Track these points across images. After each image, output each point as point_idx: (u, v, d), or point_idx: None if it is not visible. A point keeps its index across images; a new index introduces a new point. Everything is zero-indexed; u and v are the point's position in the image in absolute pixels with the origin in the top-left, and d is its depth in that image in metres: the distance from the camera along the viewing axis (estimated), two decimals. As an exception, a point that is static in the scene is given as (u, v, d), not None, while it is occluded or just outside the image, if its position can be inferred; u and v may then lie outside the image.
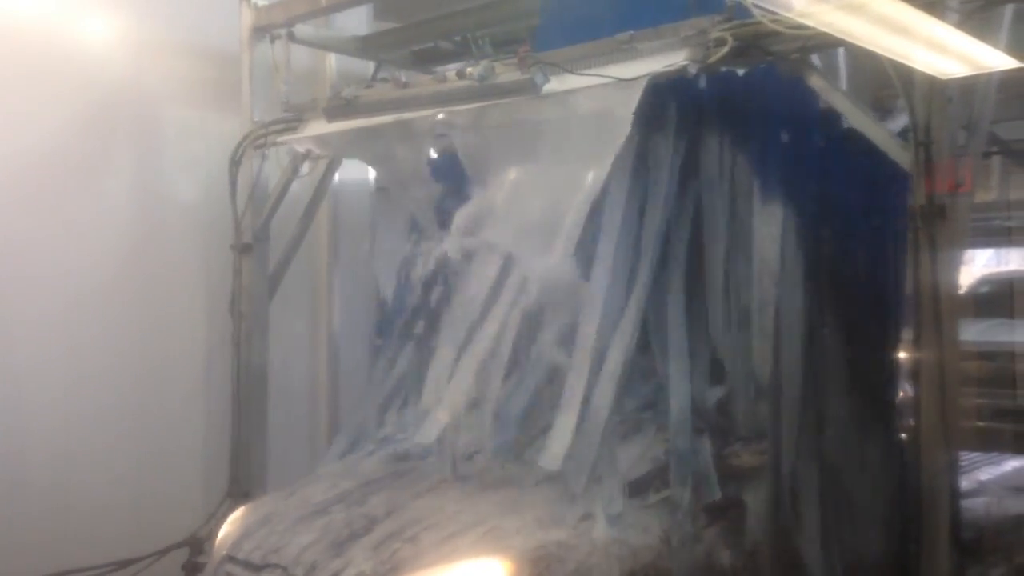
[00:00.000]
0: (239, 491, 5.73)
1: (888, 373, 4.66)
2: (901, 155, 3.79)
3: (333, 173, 6.23)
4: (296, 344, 6.74)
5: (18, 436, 5.31)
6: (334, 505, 4.10)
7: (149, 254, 5.94)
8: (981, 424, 6.44)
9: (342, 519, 3.93)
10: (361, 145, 5.36)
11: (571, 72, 4.29)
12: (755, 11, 3.68)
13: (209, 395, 6.14)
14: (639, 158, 4.39)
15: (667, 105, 4.39)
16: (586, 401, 4.01)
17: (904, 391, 4.60)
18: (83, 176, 5.69)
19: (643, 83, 4.03)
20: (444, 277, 4.93)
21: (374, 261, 6.23)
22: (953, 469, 3.68)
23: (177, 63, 6.08)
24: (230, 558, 4.12)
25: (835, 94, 4.05)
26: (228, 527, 4.39)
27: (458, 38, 6.29)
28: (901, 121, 4.07)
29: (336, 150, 5.66)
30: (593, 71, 4.25)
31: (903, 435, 4.59)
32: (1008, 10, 4.06)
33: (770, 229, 4.31)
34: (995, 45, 3.80)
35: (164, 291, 6.01)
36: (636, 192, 4.38)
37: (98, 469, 5.58)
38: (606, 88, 4.15)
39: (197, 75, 6.18)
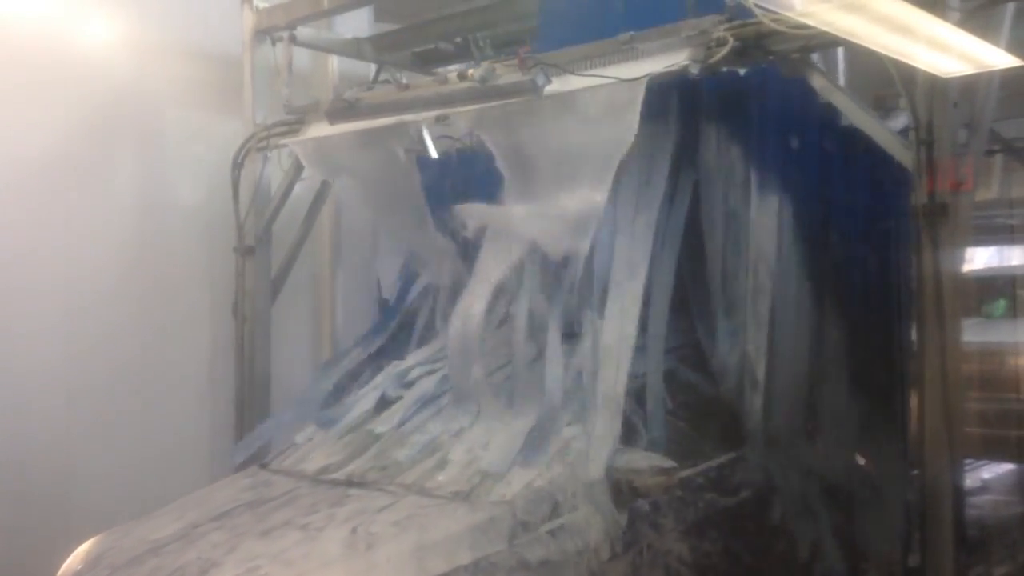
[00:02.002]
0: (243, 494, 5.72)
1: (892, 369, 4.66)
2: (903, 154, 3.79)
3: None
4: (299, 346, 6.74)
5: (20, 441, 5.31)
6: (171, 544, 3.59)
7: (152, 257, 5.94)
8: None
9: (172, 563, 3.41)
10: (351, 168, 5.34)
11: (572, 73, 4.30)
12: (756, 11, 3.68)
13: (213, 398, 6.15)
14: (644, 155, 4.41)
15: (669, 102, 4.41)
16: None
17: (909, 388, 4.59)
18: (86, 180, 5.70)
19: (644, 83, 4.03)
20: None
21: (377, 263, 6.24)
22: (957, 468, 3.69)
23: (179, 66, 6.08)
24: None
25: (836, 93, 4.05)
26: (66, 566, 3.89)
27: (459, 39, 6.30)
28: (901, 120, 4.08)
29: (327, 172, 5.58)
30: (594, 72, 4.25)
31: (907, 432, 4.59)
32: (1009, 8, 4.07)
33: (767, 221, 4.36)
34: (996, 43, 3.81)
35: (167, 294, 6.01)
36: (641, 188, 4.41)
37: (100, 474, 5.57)
38: (609, 88, 4.15)
39: (199, 78, 6.19)
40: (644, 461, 3.71)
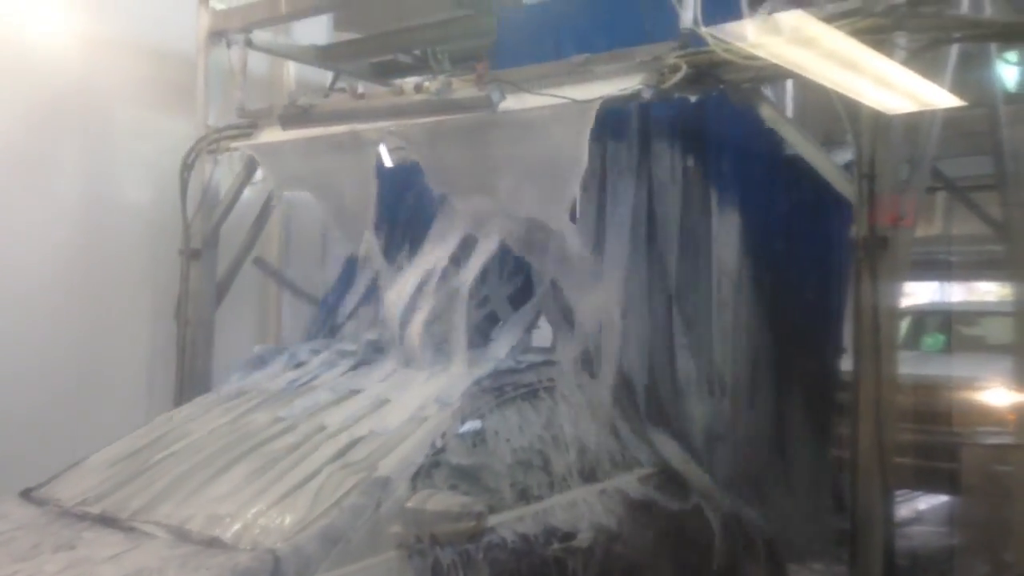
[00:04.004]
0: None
1: (828, 384, 4.68)
2: (846, 186, 3.87)
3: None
4: (242, 352, 6.63)
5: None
6: None
7: (94, 256, 5.84)
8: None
9: None
10: (305, 177, 5.32)
11: (527, 91, 4.33)
12: (709, 40, 3.74)
13: (151, 401, 6.03)
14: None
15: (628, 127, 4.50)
16: None
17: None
18: (29, 174, 5.58)
19: (597, 105, 4.08)
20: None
21: (327, 271, 6.17)
22: (888, 497, 3.74)
23: (131, 63, 6.00)
24: None
25: (784, 124, 4.13)
26: None
27: (417, 52, 6.30)
28: (849, 154, 4.16)
29: (281, 181, 5.54)
30: (549, 91, 4.29)
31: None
32: (953, 50, 4.17)
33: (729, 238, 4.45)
34: (940, 83, 3.91)
35: (108, 294, 5.90)
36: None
37: (29, 468, 5.43)
38: (563, 108, 4.19)
39: (151, 76, 6.11)
40: (451, 502, 3.22)
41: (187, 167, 5.86)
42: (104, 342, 5.87)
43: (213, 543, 3.07)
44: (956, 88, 4.08)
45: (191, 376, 5.85)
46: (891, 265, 3.75)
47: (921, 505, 7.26)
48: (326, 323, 5.36)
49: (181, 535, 3.16)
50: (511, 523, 3.54)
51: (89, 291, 5.79)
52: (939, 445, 6.33)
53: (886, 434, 3.69)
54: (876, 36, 3.58)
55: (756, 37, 3.48)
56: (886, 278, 3.74)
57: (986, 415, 6.50)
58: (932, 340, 8.45)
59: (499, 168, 4.41)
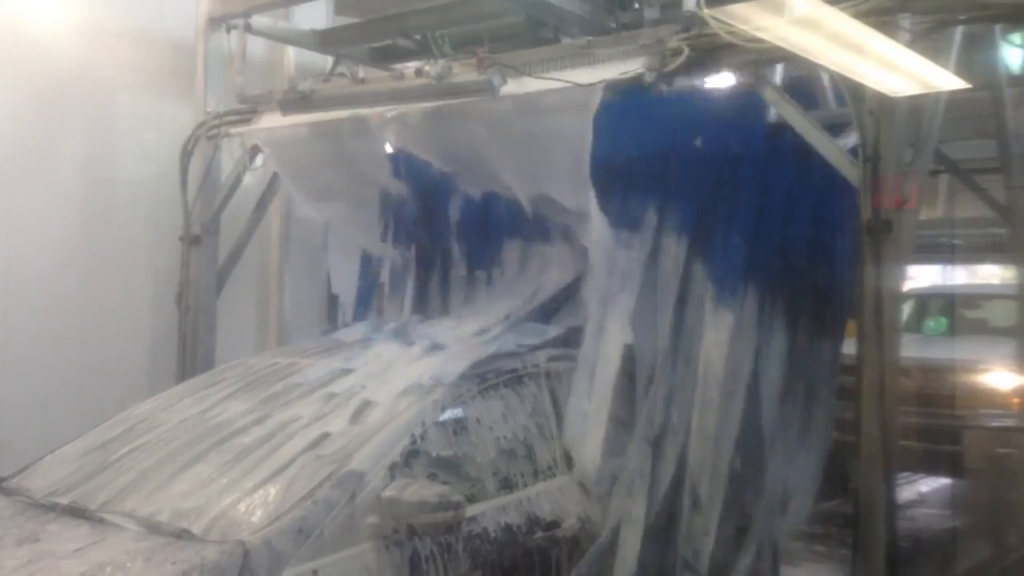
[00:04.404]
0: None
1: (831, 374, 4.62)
2: (850, 170, 3.84)
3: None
4: (244, 338, 6.65)
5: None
6: None
7: (95, 243, 5.84)
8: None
9: None
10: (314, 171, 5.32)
11: (529, 75, 4.30)
12: (712, 23, 3.71)
13: (152, 389, 6.01)
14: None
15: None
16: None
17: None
18: (30, 161, 5.57)
19: (600, 88, 4.05)
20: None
21: (329, 258, 6.17)
22: (890, 481, 3.74)
23: (131, 50, 5.98)
24: None
25: (788, 107, 4.10)
26: None
27: (418, 37, 6.26)
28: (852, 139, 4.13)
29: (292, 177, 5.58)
30: (551, 75, 4.26)
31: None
32: (958, 32, 4.14)
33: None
34: (944, 65, 3.87)
35: (109, 280, 5.91)
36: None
37: (25, 451, 5.41)
38: (565, 92, 4.16)
39: (151, 63, 6.09)
40: (428, 492, 3.14)
41: (187, 153, 5.85)
42: (106, 328, 5.87)
43: (182, 535, 2.99)
44: (960, 70, 4.04)
45: (193, 362, 5.85)
46: (895, 248, 3.72)
47: (923, 488, 7.26)
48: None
49: (150, 527, 3.06)
50: (493, 512, 3.49)
51: (91, 278, 5.79)
52: (941, 428, 6.33)
53: (889, 418, 3.68)
54: (880, 18, 3.55)
55: (759, 19, 3.46)
56: (890, 261, 3.72)
57: (989, 397, 6.49)
58: (935, 323, 8.44)
59: (506, 145, 4.40)
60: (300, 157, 5.43)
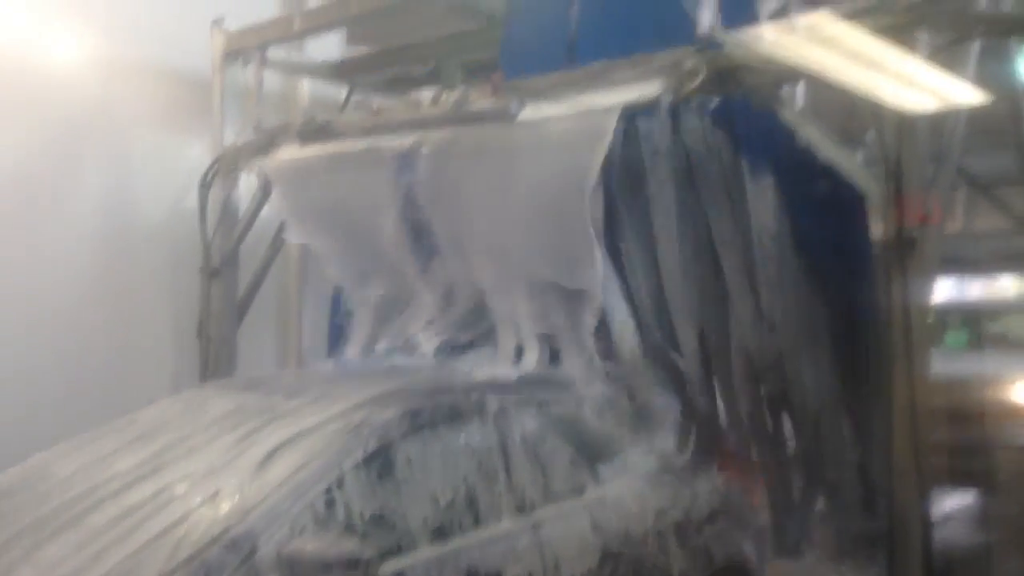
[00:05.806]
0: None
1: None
2: (872, 187, 3.83)
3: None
4: (264, 368, 6.65)
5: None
6: None
7: (116, 277, 5.86)
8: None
9: None
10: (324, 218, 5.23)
11: (546, 100, 4.31)
12: (728, 43, 3.72)
13: (175, 421, 6.04)
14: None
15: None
16: None
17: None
18: (50, 197, 5.62)
19: (617, 112, 4.05)
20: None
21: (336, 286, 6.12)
22: (926, 498, 3.70)
23: (148, 85, 6.03)
24: None
25: (806, 126, 4.08)
26: None
27: (430, 64, 6.31)
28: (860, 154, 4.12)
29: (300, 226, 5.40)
30: (568, 100, 4.27)
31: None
32: (976, 46, 4.13)
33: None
34: (963, 80, 3.87)
35: (131, 314, 5.93)
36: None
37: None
38: (583, 116, 4.16)
39: (168, 97, 6.14)
40: (333, 549, 2.76)
41: (205, 186, 5.87)
42: (129, 362, 5.89)
43: None
44: (977, 83, 4.04)
45: (215, 395, 5.84)
46: (920, 264, 3.71)
47: (950, 504, 7.17)
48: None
49: None
50: (422, 566, 3.05)
51: (112, 313, 5.82)
52: (965, 444, 6.27)
53: (921, 434, 3.64)
54: (898, 33, 3.55)
55: (775, 39, 3.46)
56: (915, 277, 3.70)
57: (1015, 412, 6.42)
58: (955, 337, 8.36)
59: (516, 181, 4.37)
60: (305, 185, 5.37)
